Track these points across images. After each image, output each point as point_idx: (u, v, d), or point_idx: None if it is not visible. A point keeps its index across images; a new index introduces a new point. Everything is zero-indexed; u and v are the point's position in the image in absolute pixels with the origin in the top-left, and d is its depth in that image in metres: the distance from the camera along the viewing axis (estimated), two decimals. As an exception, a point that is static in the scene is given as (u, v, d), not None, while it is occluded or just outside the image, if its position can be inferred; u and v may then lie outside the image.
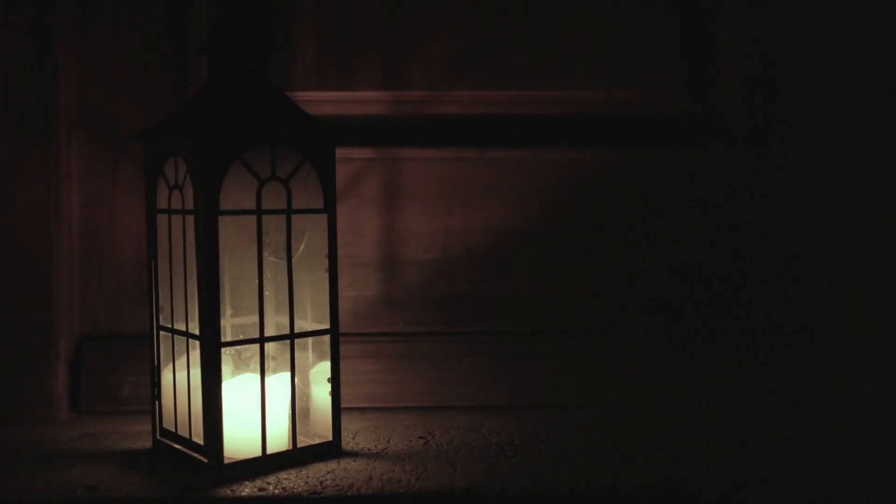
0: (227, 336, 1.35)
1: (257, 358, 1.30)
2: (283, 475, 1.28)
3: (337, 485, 1.24)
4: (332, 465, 1.32)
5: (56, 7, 1.57)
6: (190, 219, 1.29)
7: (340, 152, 1.45)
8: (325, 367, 1.38)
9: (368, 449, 1.40)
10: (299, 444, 1.34)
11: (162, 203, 1.36)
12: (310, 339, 1.40)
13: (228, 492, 1.22)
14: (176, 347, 1.35)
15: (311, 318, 1.39)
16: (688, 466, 1.32)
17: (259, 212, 1.29)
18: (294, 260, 1.34)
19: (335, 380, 1.37)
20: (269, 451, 1.30)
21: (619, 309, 1.68)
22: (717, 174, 1.68)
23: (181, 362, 1.33)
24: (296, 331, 1.34)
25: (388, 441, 1.44)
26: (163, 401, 1.38)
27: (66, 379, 1.59)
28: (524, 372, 1.66)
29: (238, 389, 1.31)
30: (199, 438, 1.29)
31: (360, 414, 1.60)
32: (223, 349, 1.27)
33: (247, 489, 1.23)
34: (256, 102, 1.33)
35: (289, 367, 1.34)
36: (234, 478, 1.26)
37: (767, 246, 1.68)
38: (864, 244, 1.66)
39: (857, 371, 1.65)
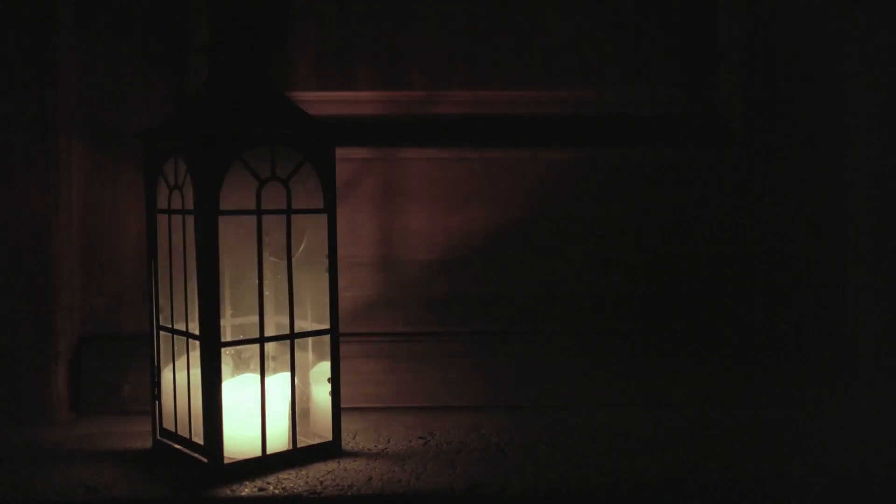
0: (227, 336, 1.35)
1: (257, 358, 1.30)
2: (283, 475, 1.27)
3: (337, 485, 1.24)
4: (331, 465, 1.32)
5: (56, 5, 1.57)
6: (190, 219, 1.29)
7: (340, 152, 1.45)
8: (325, 367, 1.38)
9: (368, 449, 1.40)
10: (299, 444, 1.34)
11: (162, 203, 1.36)
12: (310, 339, 1.40)
13: (228, 492, 1.22)
14: (176, 347, 1.35)
15: (311, 318, 1.39)
16: (687, 466, 1.32)
17: (259, 212, 1.29)
18: (294, 260, 1.34)
19: (335, 380, 1.37)
20: (269, 451, 1.30)
21: (619, 309, 1.68)
22: (716, 174, 1.68)
23: (181, 362, 1.33)
24: (296, 331, 1.34)
25: (388, 441, 1.44)
26: (163, 401, 1.38)
27: (66, 379, 1.59)
28: (524, 372, 1.66)
29: (238, 389, 1.31)
30: (199, 438, 1.29)
31: (360, 414, 1.60)
32: (223, 349, 1.27)
33: (247, 489, 1.23)
34: (256, 102, 1.33)
35: (289, 367, 1.34)
36: (234, 478, 1.26)
37: (767, 245, 1.68)
38: (864, 244, 1.66)
39: (857, 372, 1.65)
